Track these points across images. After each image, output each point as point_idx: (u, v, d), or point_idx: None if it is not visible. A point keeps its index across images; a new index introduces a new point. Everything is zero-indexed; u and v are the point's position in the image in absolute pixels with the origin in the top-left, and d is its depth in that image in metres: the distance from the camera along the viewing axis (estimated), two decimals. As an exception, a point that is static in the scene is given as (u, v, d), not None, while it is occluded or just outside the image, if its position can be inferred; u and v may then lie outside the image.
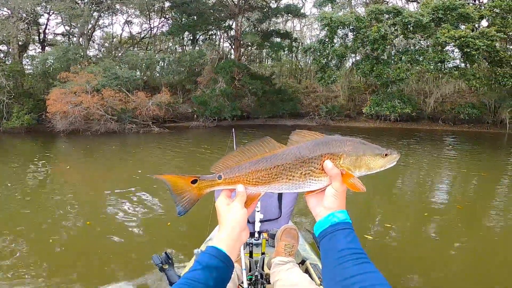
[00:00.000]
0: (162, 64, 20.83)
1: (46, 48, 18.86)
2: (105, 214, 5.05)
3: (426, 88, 16.68)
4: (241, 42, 19.37)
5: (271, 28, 20.77)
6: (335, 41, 15.59)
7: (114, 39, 22.23)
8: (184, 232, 4.39)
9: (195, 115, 17.96)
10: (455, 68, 11.92)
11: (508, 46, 12.55)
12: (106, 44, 21.73)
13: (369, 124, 17.77)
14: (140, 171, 7.94)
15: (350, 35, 14.77)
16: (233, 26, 20.24)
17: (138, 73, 18.33)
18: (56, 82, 13.56)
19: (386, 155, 0.70)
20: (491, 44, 10.86)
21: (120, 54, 18.96)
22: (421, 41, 12.76)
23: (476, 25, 12.91)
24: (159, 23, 22.52)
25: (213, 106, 17.05)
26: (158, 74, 21.18)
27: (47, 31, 19.74)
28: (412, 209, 5.52)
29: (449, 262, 3.60)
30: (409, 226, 4.72)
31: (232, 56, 19.90)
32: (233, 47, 20.27)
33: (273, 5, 20.31)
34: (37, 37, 19.10)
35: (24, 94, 15.53)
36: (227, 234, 0.74)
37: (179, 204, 0.80)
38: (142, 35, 23.02)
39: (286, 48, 19.88)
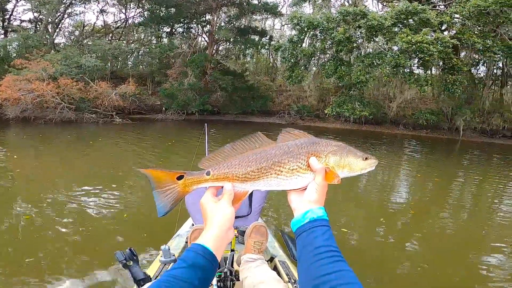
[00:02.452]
0: (136, 55, 20.52)
1: (10, 34, 18.27)
2: (49, 207, 4.60)
3: (390, 93, 16.93)
4: (216, 37, 19.24)
5: (248, 25, 20.68)
6: (306, 40, 15.66)
7: (86, 28, 21.71)
8: (146, 228, 4.12)
9: (163, 108, 17.77)
10: (409, 73, 12.10)
11: (462, 54, 12.82)
12: (76, 33, 21.21)
13: (336, 125, 17.96)
14: (96, 163, 7.73)
15: (319, 36, 14.83)
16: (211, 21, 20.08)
17: (108, 64, 18.00)
18: (11, 69, 13.15)
19: (366, 158, 0.76)
20: (445, 51, 11.05)
21: (90, 43, 18.53)
22: (383, 45, 12.92)
23: (443, 31, 13.13)
24: (136, 14, 22.15)
25: (180, 99, 16.90)
26: (131, 65, 20.84)
27: (13, 17, 19.12)
28: (368, 213, 5.69)
29: (401, 265, 3.81)
30: (366, 230, 4.84)
31: (207, 51, 19.75)
32: (207, 41, 20.11)
33: (254, 0, 20.18)
34: (1, 23, 18.46)
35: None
36: (214, 233, 0.71)
37: (161, 203, 0.76)
38: (117, 25, 22.58)
39: (260, 46, 19.84)
